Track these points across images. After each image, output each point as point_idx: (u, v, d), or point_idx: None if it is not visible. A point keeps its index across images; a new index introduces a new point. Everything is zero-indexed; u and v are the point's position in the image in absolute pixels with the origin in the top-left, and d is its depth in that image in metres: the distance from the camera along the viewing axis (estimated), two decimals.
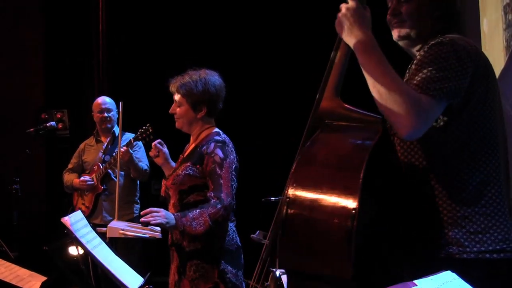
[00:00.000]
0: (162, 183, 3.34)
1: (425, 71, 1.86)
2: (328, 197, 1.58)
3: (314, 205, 1.59)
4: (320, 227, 1.56)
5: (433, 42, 1.93)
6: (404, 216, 1.94)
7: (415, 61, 1.97)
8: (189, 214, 3.02)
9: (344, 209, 1.54)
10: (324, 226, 1.55)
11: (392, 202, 1.90)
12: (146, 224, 2.98)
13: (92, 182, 5.02)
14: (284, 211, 1.60)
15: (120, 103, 3.96)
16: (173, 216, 3.02)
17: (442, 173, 1.93)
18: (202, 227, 3.00)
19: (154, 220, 2.96)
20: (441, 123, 1.93)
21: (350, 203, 1.55)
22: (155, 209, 3.02)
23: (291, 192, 1.62)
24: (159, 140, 3.51)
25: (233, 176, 3.15)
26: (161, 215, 2.98)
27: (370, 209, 1.73)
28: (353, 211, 1.53)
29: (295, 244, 1.61)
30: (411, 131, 1.78)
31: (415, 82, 1.87)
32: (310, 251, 1.59)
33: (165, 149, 3.47)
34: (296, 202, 1.61)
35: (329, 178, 1.62)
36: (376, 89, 1.81)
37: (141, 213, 3.03)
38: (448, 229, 1.91)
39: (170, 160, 3.46)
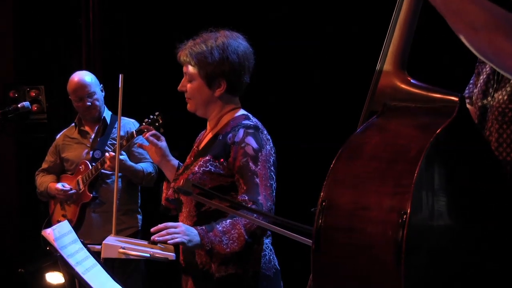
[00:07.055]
0: (164, 188, 3.40)
1: None
2: (373, 199, 1.64)
3: (355, 210, 1.65)
4: (362, 240, 1.62)
5: None
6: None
7: None
8: (218, 226, 3.05)
9: (391, 214, 1.59)
10: (367, 237, 1.62)
11: (491, 215, 1.85)
12: (157, 242, 3.01)
13: (73, 192, 5.00)
14: (318, 218, 1.68)
15: (120, 76, 3.78)
16: (196, 231, 3.04)
17: None
18: (236, 244, 3.04)
19: (173, 239, 2.98)
20: None
21: (400, 206, 1.58)
22: (171, 223, 3.04)
23: (326, 194, 1.70)
24: (153, 131, 3.55)
25: (272, 173, 3.21)
26: (181, 230, 3.01)
27: (446, 219, 1.76)
28: (404, 216, 1.56)
29: (331, 262, 1.68)
30: None
31: None
32: (349, 271, 1.65)
33: (163, 143, 3.48)
34: (333, 207, 1.68)
35: (377, 174, 1.68)
36: (465, 24, 1.74)
37: (152, 229, 3.04)
38: None
39: (171, 157, 3.49)
